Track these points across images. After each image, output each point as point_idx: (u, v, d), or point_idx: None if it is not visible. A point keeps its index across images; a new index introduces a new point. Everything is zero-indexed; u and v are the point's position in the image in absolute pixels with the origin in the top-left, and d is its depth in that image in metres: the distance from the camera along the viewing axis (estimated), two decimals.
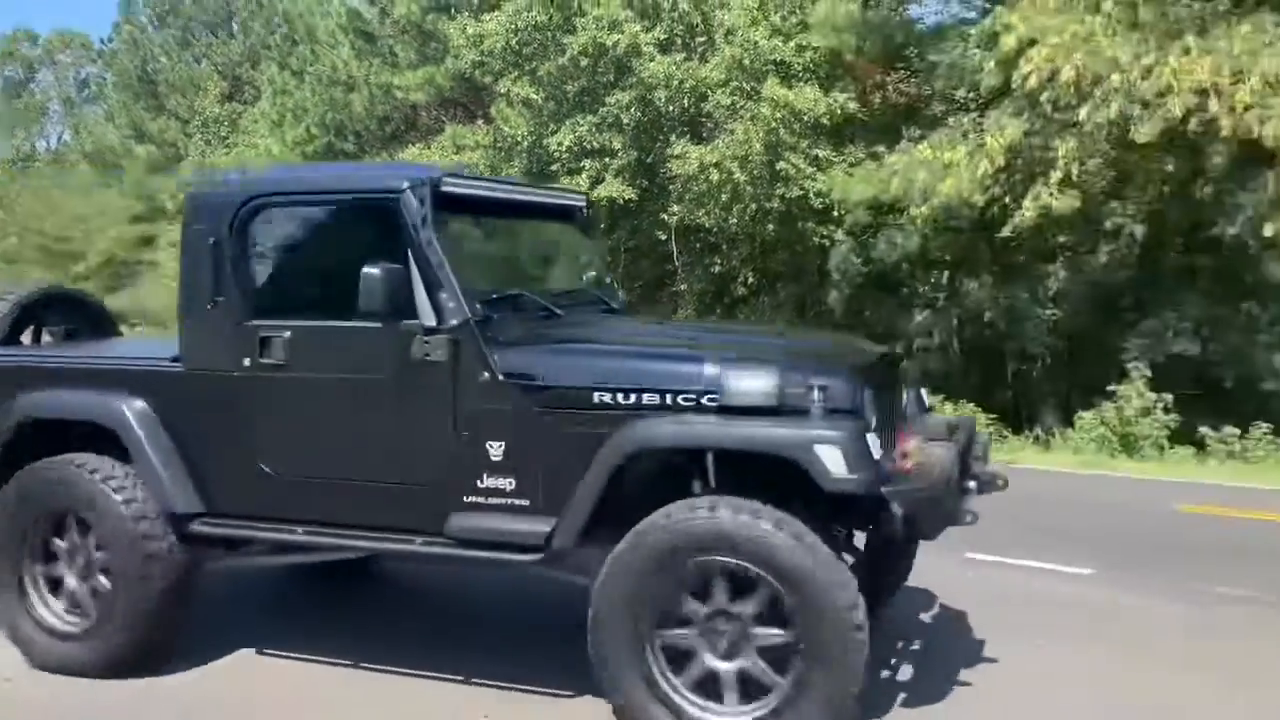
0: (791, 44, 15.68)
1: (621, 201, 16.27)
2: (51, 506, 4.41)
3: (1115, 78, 11.13)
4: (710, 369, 3.80)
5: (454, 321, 3.93)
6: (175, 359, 4.44)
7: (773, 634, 3.59)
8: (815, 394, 3.69)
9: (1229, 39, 10.86)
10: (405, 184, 4.02)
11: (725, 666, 3.64)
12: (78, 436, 4.47)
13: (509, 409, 3.91)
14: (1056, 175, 12.23)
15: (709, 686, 3.68)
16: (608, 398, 3.84)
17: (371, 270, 3.79)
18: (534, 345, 4.08)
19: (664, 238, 17.11)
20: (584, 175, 16.23)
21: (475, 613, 5.53)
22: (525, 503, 3.93)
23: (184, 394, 4.37)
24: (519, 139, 17.23)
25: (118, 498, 4.22)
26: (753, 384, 3.74)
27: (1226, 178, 12.27)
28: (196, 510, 4.34)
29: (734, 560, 3.54)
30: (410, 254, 3.97)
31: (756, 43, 15.40)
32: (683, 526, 3.59)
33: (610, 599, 3.68)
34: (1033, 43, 11.69)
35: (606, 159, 16.38)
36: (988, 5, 15.05)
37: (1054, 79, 11.51)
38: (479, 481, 3.97)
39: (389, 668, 4.56)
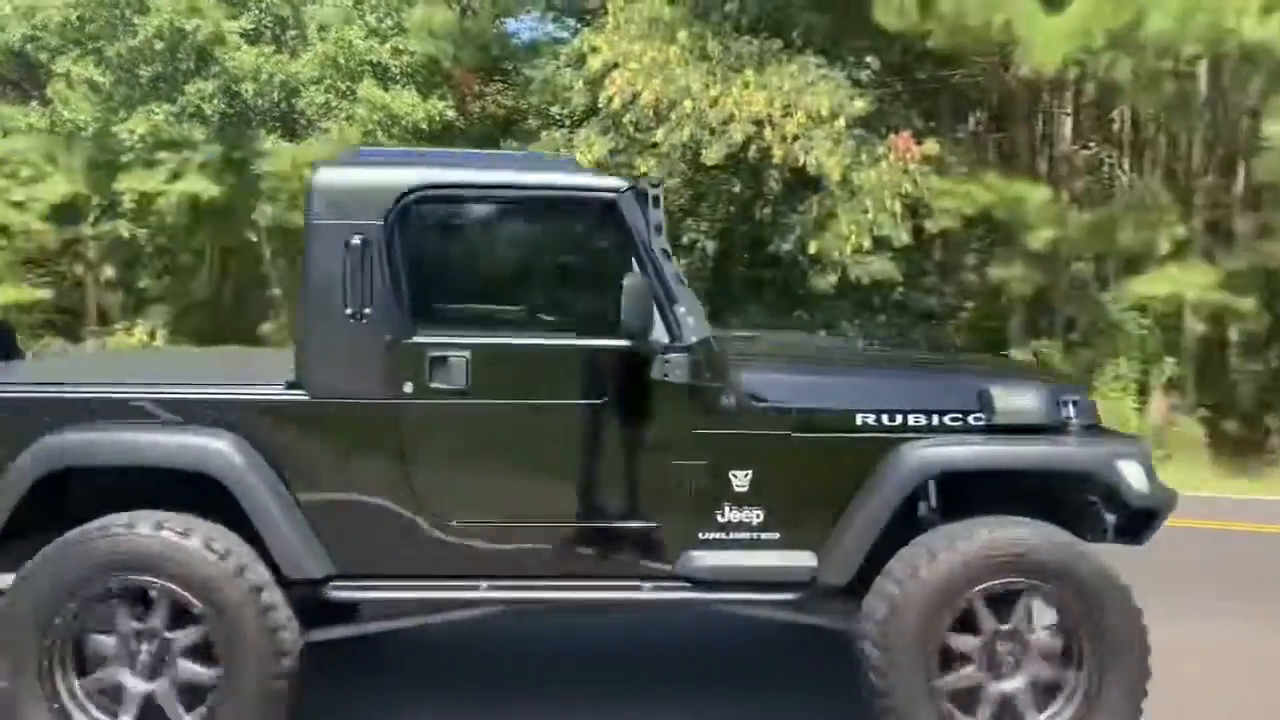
0: (388, 46, 15.64)
1: (205, 200, 15.26)
2: (108, 585, 3.36)
3: (688, 104, 12.40)
4: (979, 388, 3.66)
5: (694, 338, 3.54)
6: (292, 385, 3.57)
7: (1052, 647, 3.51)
8: (1071, 410, 3.68)
9: (780, 76, 12.48)
10: (624, 185, 3.59)
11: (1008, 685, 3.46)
12: (108, 490, 3.52)
13: (757, 434, 3.57)
14: None
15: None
16: (872, 419, 3.61)
17: (635, 280, 3.33)
18: (770, 364, 3.85)
19: (255, 239, 16.27)
20: (160, 169, 15.01)
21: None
22: (775, 536, 3.60)
23: (308, 429, 3.53)
24: (81, 124, 15.54)
25: (228, 565, 3.32)
26: (1021, 402, 3.63)
27: (781, 200, 14.09)
28: (327, 573, 3.51)
29: (1034, 581, 3.44)
30: (635, 262, 3.49)
31: (351, 42, 15.20)
32: (983, 555, 3.38)
33: (901, 638, 3.37)
34: (616, 66, 12.63)
35: (187, 152, 15.27)
36: (578, 26, 16.01)
37: (635, 101, 12.54)
38: (719, 515, 3.57)
39: None
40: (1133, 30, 11.28)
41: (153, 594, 3.37)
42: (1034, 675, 3.47)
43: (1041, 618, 3.49)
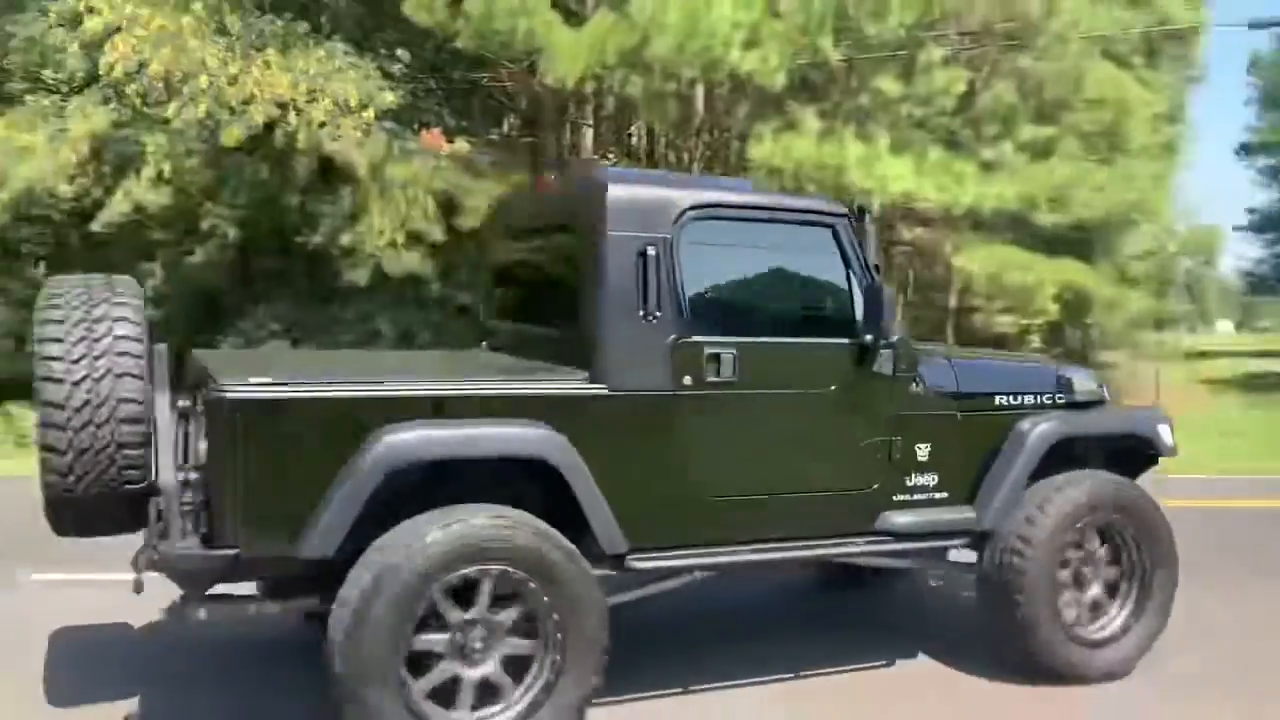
0: None
1: None
2: (452, 578, 3.59)
3: (203, 79, 11.60)
4: (1059, 375, 5.10)
5: (894, 337, 4.37)
6: (590, 380, 3.97)
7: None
8: (1105, 390, 5.23)
9: (306, 60, 12.12)
10: (844, 209, 4.46)
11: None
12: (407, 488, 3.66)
13: (934, 414, 4.59)
14: (148, 170, 12.24)
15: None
16: (1004, 400, 4.83)
17: (889, 289, 4.26)
18: (935, 360, 4.81)
19: None
20: None
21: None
22: (945, 495, 4.60)
23: (605, 418, 3.95)
24: None
25: (559, 547, 3.74)
26: (1089, 385, 5.11)
27: (311, 189, 13.66)
28: (630, 547, 3.95)
29: (1116, 516, 4.83)
30: (851, 274, 4.38)
31: None
32: (1093, 497, 4.74)
33: (1042, 549, 4.58)
34: (119, 30, 11.50)
35: None
36: None
37: (142, 71, 11.50)
38: (908, 480, 4.52)
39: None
40: (640, 50, 12.40)
41: (484, 581, 3.65)
42: (1110, 578, 4.85)
43: (1117, 538, 4.84)
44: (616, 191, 4.05)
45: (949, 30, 14.24)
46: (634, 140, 17.86)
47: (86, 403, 3.41)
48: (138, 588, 3.62)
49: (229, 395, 3.51)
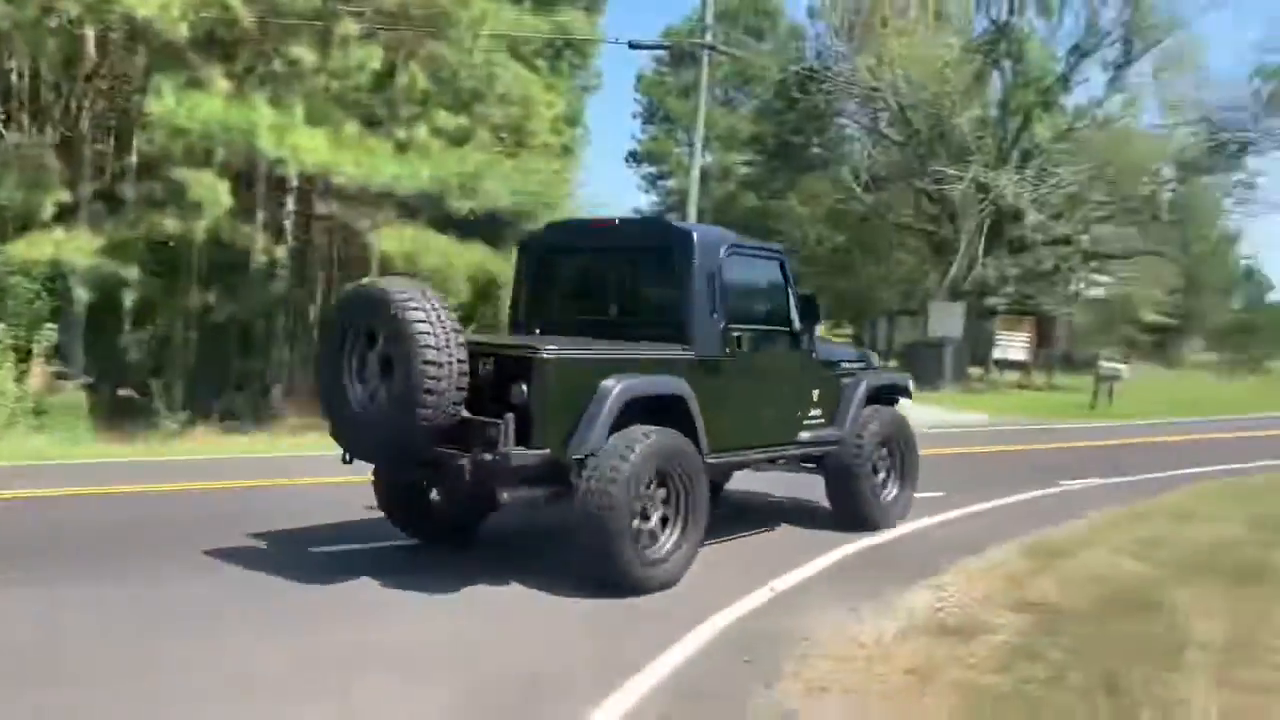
0: None
1: None
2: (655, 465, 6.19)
3: None
4: (864, 353, 9.20)
5: (800, 327, 7.68)
6: (691, 350, 6.69)
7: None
8: (875, 360, 9.38)
9: None
10: (783, 249, 8.03)
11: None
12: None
13: (822, 375, 7.92)
14: None
15: None
16: (846, 366, 8.33)
17: (814, 299, 7.90)
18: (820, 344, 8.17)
19: None
20: None
21: None
22: (823, 421, 7.90)
23: (700, 374, 6.65)
24: None
25: (695, 451, 6.47)
26: (872, 358, 9.20)
27: None
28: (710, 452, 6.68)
29: (898, 431, 8.59)
30: (790, 290, 7.62)
31: None
32: (891, 422, 8.50)
33: (868, 446, 8.14)
34: None
35: None
36: None
37: None
38: (810, 413, 7.78)
39: None
40: None
41: (669, 470, 6.25)
42: (889, 466, 8.39)
43: (897, 445, 8.44)
44: (696, 236, 6.93)
45: (365, 8, 14.38)
46: (14, 79, 15.38)
47: (449, 371, 5.59)
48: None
49: (546, 357, 5.89)
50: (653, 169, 45.95)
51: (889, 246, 33.26)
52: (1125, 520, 8.91)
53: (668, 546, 6.21)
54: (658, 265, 7.04)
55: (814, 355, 7.74)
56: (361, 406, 5.87)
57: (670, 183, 44.43)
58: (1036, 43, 26.80)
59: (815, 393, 7.74)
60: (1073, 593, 6.28)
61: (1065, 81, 26.74)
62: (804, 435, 7.64)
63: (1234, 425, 21.75)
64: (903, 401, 8.86)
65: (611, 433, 5.90)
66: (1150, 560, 7.28)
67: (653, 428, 6.09)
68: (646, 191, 47.42)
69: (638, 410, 6.09)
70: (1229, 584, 6.72)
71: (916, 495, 8.74)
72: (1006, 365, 31.05)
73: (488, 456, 5.55)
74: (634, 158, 46.13)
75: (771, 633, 5.44)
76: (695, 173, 21.67)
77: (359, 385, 5.92)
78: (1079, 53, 26.37)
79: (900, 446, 8.39)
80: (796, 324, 7.53)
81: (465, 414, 5.68)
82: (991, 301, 31.43)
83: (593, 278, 7.70)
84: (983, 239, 26.04)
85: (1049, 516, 9.13)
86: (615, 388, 5.98)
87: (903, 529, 8.38)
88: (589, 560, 6.05)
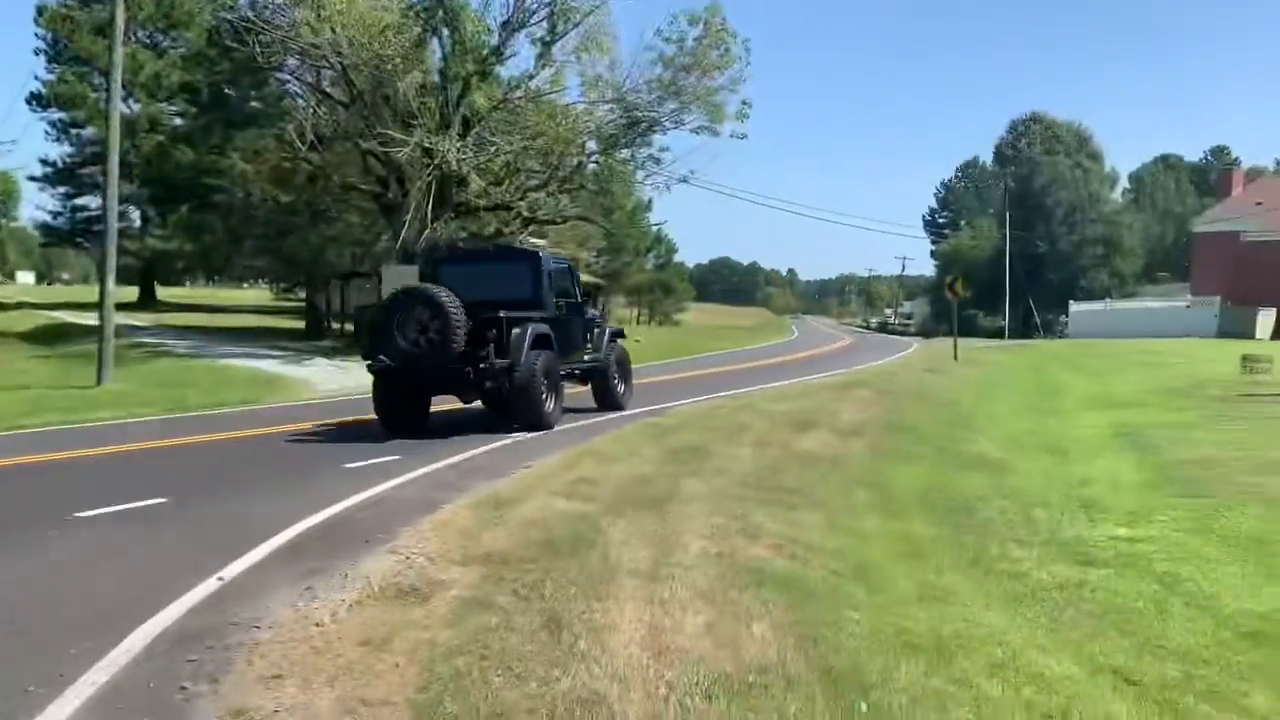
0: None
1: None
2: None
3: None
4: (603, 314, 18.12)
5: (581, 300, 15.07)
6: (543, 313, 13.51)
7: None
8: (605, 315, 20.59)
9: None
10: (569, 260, 16.65)
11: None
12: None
13: (595, 326, 15.18)
14: None
15: None
16: (599, 321, 15.63)
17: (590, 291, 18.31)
18: (588, 309, 15.23)
19: None
20: None
21: None
22: (595, 351, 14.96)
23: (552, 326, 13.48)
24: None
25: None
26: (617, 325, 21.86)
27: None
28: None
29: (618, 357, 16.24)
30: (575, 279, 15.19)
31: None
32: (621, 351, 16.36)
33: (609, 367, 15.42)
34: None
35: None
36: None
37: None
38: (588, 346, 14.78)
39: None
40: None
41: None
42: (620, 374, 15.82)
43: (624, 363, 16.25)
44: (541, 256, 14.42)
45: None
46: None
47: (461, 326, 11.93)
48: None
49: (503, 316, 12.29)
50: (63, 114, 40.28)
51: (338, 208, 32.70)
52: (562, 466, 9.75)
53: (551, 406, 13.04)
54: (525, 272, 13.79)
55: (588, 316, 15.04)
56: (410, 346, 12.00)
57: (88, 131, 39.28)
58: (472, 13, 27.79)
59: (588, 334, 14.96)
60: (518, 539, 6.73)
61: (499, 53, 28.11)
62: (586, 358, 14.78)
63: (652, 371, 24.80)
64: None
65: (530, 353, 12.53)
66: (584, 500, 8.05)
67: (540, 351, 12.71)
68: (57, 140, 41.52)
69: (534, 342, 12.59)
70: (648, 514, 7.67)
71: (374, 461, 9.56)
72: None
73: (481, 365, 11.96)
74: (38, 100, 40.05)
75: (219, 625, 5.11)
76: (114, 122, 19.41)
77: (403, 339, 12.03)
78: (510, 27, 27.88)
79: (625, 364, 16.03)
80: (579, 298, 14.89)
81: (464, 348, 11.95)
82: None
83: (484, 280, 13.49)
84: (430, 203, 26.61)
85: (498, 469, 9.70)
86: (529, 330, 12.57)
87: (359, 496, 8.37)
88: (522, 416, 12.72)
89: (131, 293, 41.59)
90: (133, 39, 36.73)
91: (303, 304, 41.20)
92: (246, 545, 6.68)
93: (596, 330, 15.01)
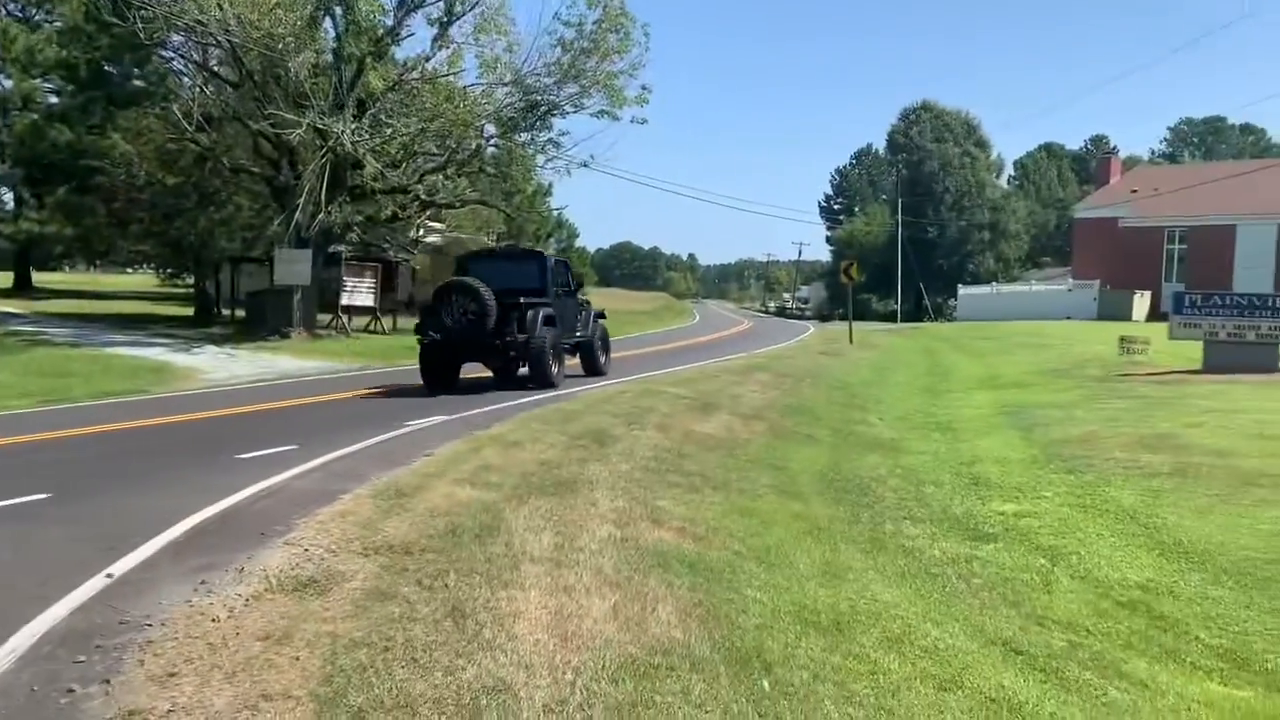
0: None
1: None
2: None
3: None
4: (588, 300, 20.64)
5: (583, 291, 19.58)
6: (545, 299, 17.25)
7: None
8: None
9: None
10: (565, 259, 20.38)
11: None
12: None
13: (584, 310, 19.12)
14: None
15: None
16: (585, 304, 19.45)
17: (583, 282, 21.44)
18: (581, 298, 19.21)
19: None
20: None
21: None
22: (582, 329, 18.84)
23: (554, 307, 17.84)
24: None
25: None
26: (598, 304, 22.80)
27: None
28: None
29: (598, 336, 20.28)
30: (570, 274, 18.95)
31: None
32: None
33: (595, 340, 19.50)
34: None
35: None
36: None
37: None
38: (578, 325, 18.59)
39: None
40: None
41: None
42: (601, 348, 19.89)
43: (605, 338, 20.51)
44: (546, 255, 18.68)
45: None
46: None
47: (494, 309, 15.82)
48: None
49: (522, 301, 16.24)
50: None
51: (228, 191, 31.63)
52: (464, 453, 9.65)
53: (556, 370, 16.58)
54: (534, 267, 17.49)
55: (578, 300, 18.57)
56: (454, 324, 15.75)
57: None
58: None
59: (579, 316, 18.57)
60: (421, 528, 6.65)
61: (395, 34, 27.50)
62: (578, 334, 18.33)
63: None
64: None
65: (541, 329, 16.18)
66: (487, 487, 7.99)
67: (548, 328, 16.35)
68: None
69: (544, 321, 16.24)
70: (552, 499, 7.66)
71: (269, 451, 9.46)
72: (355, 311, 31.61)
73: (507, 338, 15.84)
74: None
75: (109, 624, 4.93)
76: None
77: (449, 319, 15.79)
78: (406, 7, 27.31)
79: (606, 339, 19.93)
80: (572, 288, 18.41)
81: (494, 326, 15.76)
82: (338, 248, 31.63)
83: (502, 273, 17.17)
84: (324, 186, 25.94)
85: (398, 457, 9.55)
86: (540, 312, 16.20)
87: (255, 486, 8.15)
88: (536, 379, 16.25)
89: (5, 278, 39.53)
90: (3, 12, 34.81)
91: (191, 290, 39.84)
92: (137, 540, 6.45)
93: (584, 313, 18.94)
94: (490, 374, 18.05)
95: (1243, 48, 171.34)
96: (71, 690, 4.17)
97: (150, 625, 4.87)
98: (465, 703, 4.08)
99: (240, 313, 32.89)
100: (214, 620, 4.91)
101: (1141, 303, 46.32)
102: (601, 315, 19.75)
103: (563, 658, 4.60)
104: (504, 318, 15.77)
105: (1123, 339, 23.90)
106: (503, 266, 17.65)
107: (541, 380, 16.28)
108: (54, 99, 37.53)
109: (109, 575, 5.73)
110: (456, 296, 15.85)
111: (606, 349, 19.91)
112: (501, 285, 16.16)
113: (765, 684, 4.58)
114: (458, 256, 20.93)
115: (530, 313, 16.03)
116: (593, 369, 19.03)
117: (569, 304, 18.03)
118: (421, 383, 16.59)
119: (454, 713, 4.01)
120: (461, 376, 17.25)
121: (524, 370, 16.74)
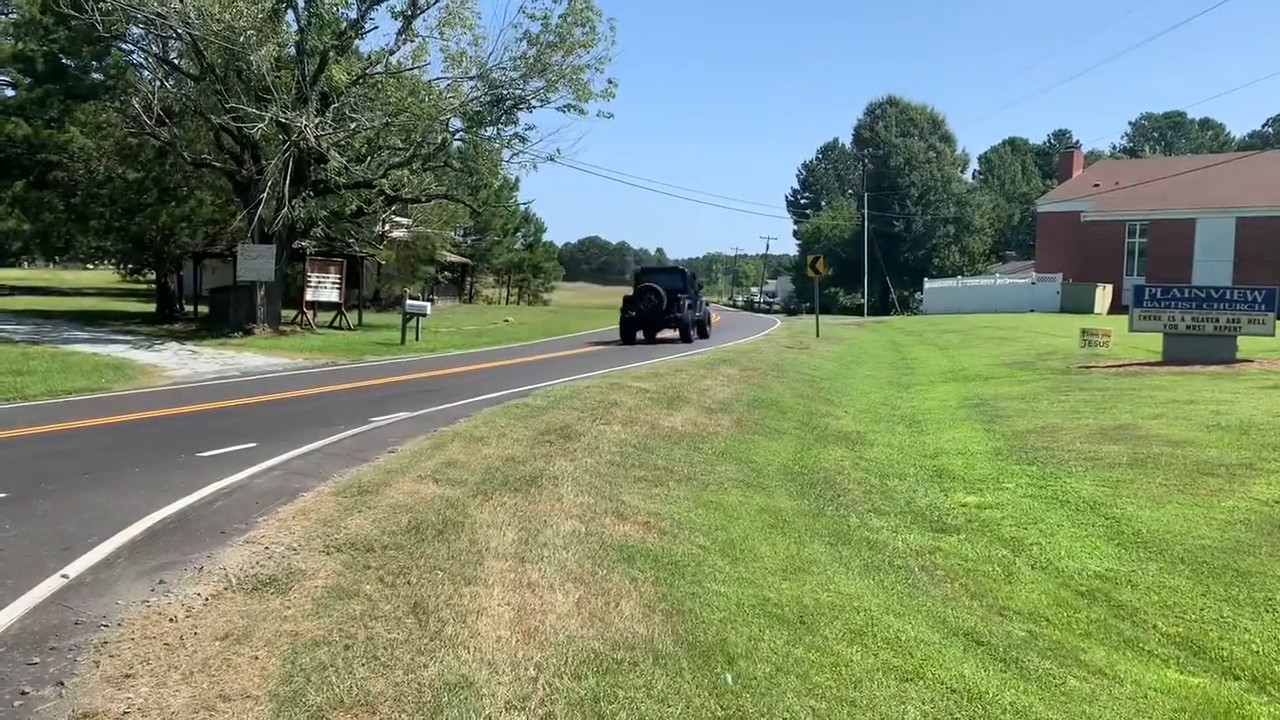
0: None
1: None
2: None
3: None
4: (702, 294, 39.41)
5: (696, 288, 33.05)
6: (692, 299, 31.69)
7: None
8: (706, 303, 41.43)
9: None
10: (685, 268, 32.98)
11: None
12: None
13: (700, 300, 34.98)
14: None
15: None
16: (703, 297, 39.75)
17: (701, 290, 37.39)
18: (698, 299, 32.86)
19: None
20: None
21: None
22: (699, 313, 32.58)
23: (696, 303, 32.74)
24: None
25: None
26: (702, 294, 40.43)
27: None
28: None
29: None
30: (692, 282, 31.51)
31: None
32: None
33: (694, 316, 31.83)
34: None
35: None
36: None
37: None
38: (697, 314, 31.17)
39: None
40: None
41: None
42: (705, 321, 33.89)
43: (709, 318, 36.38)
44: (687, 270, 31.94)
45: None
46: None
47: (667, 299, 28.75)
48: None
49: (683, 298, 29.67)
50: None
51: (190, 185, 31.21)
52: (428, 449, 9.58)
53: (695, 334, 29.86)
54: (679, 276, 30.43)
55: (699, 295, 32.05)
56: (645, 307, 28.45)
57: None
58: None
59: (701, 305, 32.37)
60: (383, 525, 6.59)
61: (358, 27, 27.24)
62: (697, 315, 30.56)
63: (522, 351, 24.64)
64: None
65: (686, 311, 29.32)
66: (451, 483, 7.94)
67: (689, 311, 29.40)
68: None
69: (687, 306, 29.17)
70: (516, 495, 7.63)
71: (230, 448, 9.37)
72: (320, 307, 31.32)
73: (670, 316, 28.66)
74: None
75: (64, 625, 4.85)
76: None
77: (642, 305, 28.51)
78: (369, 0, 27.09)
79: (707, 320, 33.11)
80: (697, 287, 31.59)
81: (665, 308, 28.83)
82: (302, 244, 31.29)
83: (662, 278, 30.25)
84: (288, 180, 25.64)
85: (361, 454, 9.47)
86: (684, 302, 29.01)
87: (215, 485, 8.05)
88: (687, 339, 28.87)
89: None
90: None
91: (153, 286, 39.29)
92: (94, 540, 6.35)
93: (704, 303, 33.04)
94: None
95: (1202, 44, 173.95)
96: (25, 693, 4.10)
97: (106, 626, 4.80)
98: (426, 700, 4.05)
99: (203, 309, 32.49)
100: (171, 620, 4.84)
101: (1103, 296, 46.90)
102: (707, 304, 35.26)
103: (525, 654, 4.58)
104: (670, 305, 28.17)
105: (1084, 332, 24.18)
106: (662, 275, 30.63)
107: (687, 338, 28.64)
108: (10, 92, 36.86)
109: (65, 576, 5.64)
110: (646, 293, 28.20)
111: (710, 324, 33.49)
112: (665, 286, 28.70)
113: (728, 677, 4.59)
114: (636, 270, 35.44)
115: (682, 301, 28.49)
116: (702, 334, 30.82)
117: (697, 298, 31.20)
118: (619, 338, 29.22)
119: (415, 711, 3.98)
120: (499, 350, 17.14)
121: (682, 332, 28.79)
